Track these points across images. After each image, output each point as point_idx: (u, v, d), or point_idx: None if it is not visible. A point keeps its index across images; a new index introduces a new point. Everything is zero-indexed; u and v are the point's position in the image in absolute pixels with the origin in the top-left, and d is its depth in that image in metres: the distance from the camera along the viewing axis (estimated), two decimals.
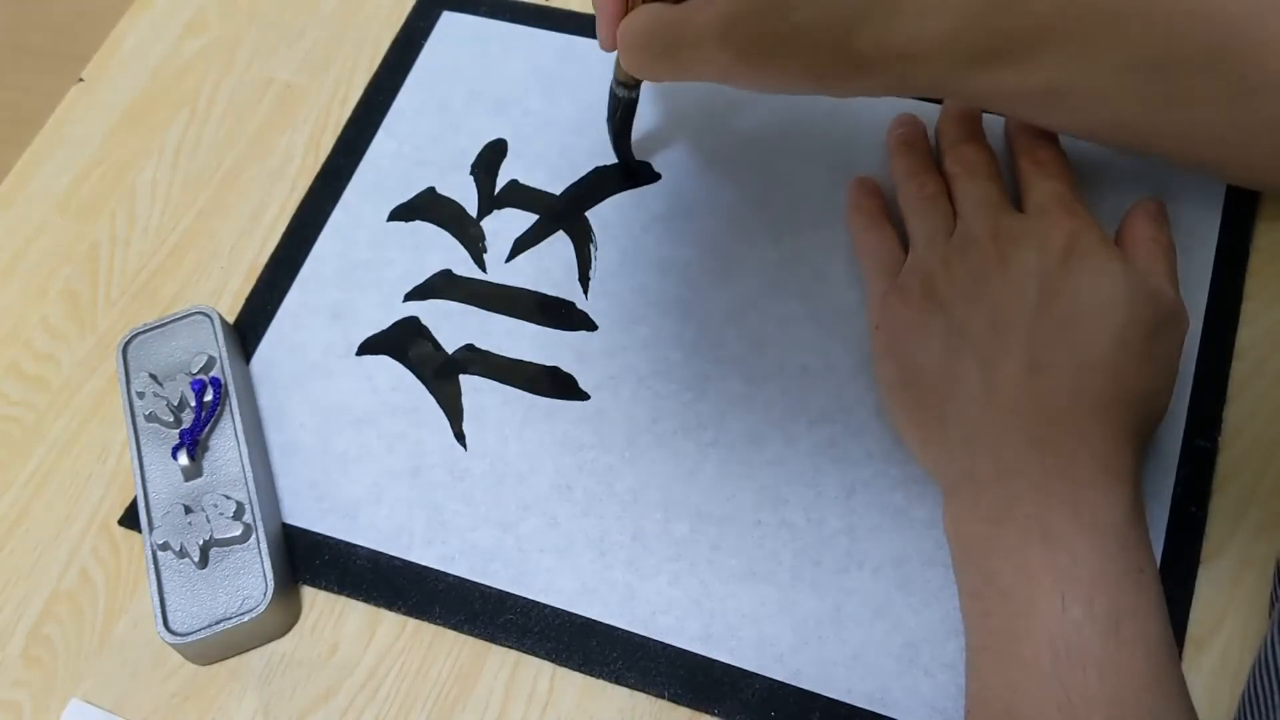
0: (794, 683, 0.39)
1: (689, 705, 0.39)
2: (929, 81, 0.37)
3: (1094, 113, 0.39)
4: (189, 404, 0.45)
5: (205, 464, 0.44)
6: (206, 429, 0.45)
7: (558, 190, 0.51)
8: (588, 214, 0.50)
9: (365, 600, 0.43)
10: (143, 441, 0.45)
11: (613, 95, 0.46)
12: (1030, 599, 0.33)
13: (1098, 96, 0.38)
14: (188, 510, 0.42)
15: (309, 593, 0.43)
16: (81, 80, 0.58)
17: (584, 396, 0.46)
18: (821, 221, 0.48)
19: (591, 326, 0.47)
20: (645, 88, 0.47)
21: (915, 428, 0.40)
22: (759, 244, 0.48)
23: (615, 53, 0.41)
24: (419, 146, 0.53)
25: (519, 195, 0.51)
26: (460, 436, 0.45)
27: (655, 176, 0.50)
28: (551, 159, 0.52)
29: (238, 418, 0.45)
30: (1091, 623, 0.32)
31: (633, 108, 0.47)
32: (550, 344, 0.47)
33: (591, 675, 0.40)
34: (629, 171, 0.50)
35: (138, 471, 0.44)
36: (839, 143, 0.50)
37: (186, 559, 0.42)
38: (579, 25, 0.55)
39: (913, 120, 0.48)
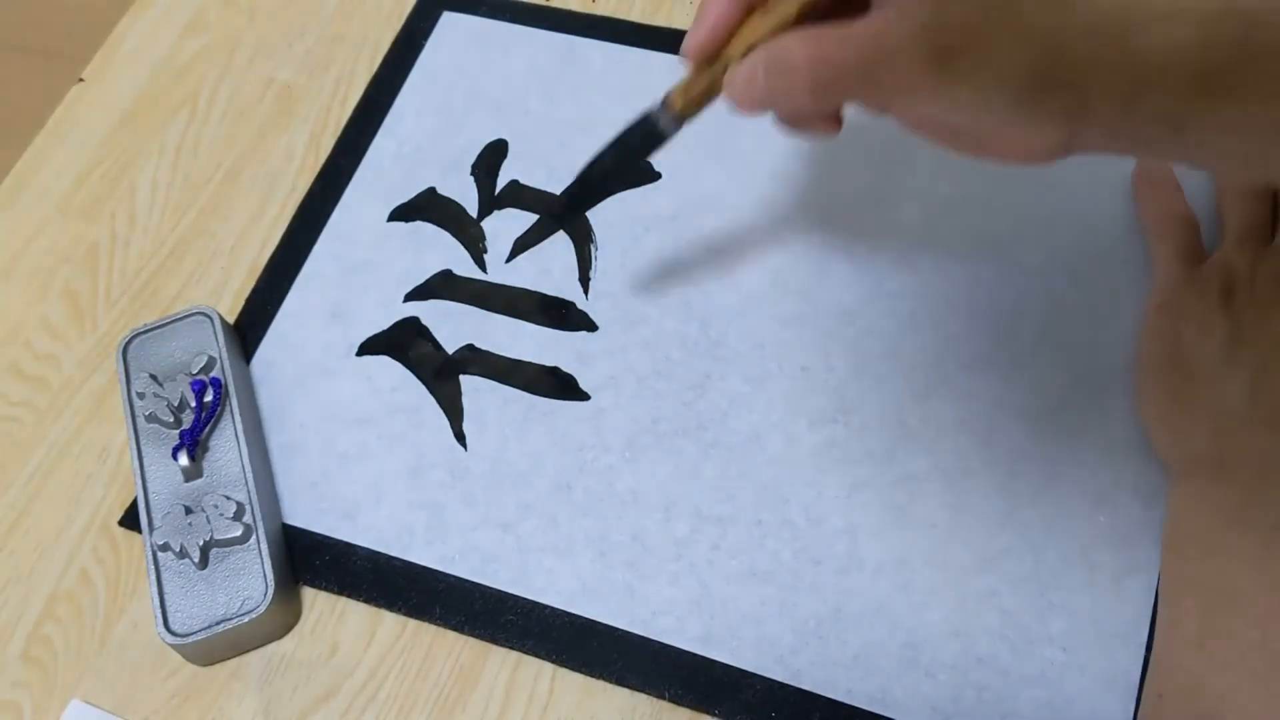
0: (794, 683, 0.39)
1: (689, 706, 0.39)
2: (1155, 113, 0.30)
3: None
4: (189, 404, 0.45)
5: (205, 464, 0.44)
6: (206, 429, 0.45)
7: (558, 190, 0.51)
8: (588, 214, 0.50)
9: (365, 601, 0.43)
10: (143, 442, 0.45)
11: (647, 121, 0.38)
12: (1270, 610, 0.33)
13: None
14: (188, 511, 0.42)
15: (309, 593, 0.43)
16: (81, 80, 0.58)
17: (584, 396, 0.46)
18: (822, 220, 0.48)
19: (591, 326, 0.47)
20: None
21: (1164, 409, 0.40)
22: (759, 243, 0.48)
23: (690, 72, 0.36)
24: (419, 146, 0.53)
25: (519, 195, 0.51)
26: (460, 436, 0.45)
27: (655, 176, 0.50)
28: (551, 159, 0.52)
29: (238, 418, 0.45)
30: None
31: (663, 144, 0.38)
32: (550, 344, 0.47)
33: (592, 676, 0.40)
34: (571, 206, 0.47)
35: (138, 472, 0.44)
36: (840, 142, 0.50)
37: (186, 559, 0.42)
38: (579, 25, 0.55)
39: None
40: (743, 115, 0.34)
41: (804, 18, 0.32)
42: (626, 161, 0.40)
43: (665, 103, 0.36)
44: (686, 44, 0.34)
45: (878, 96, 0.31)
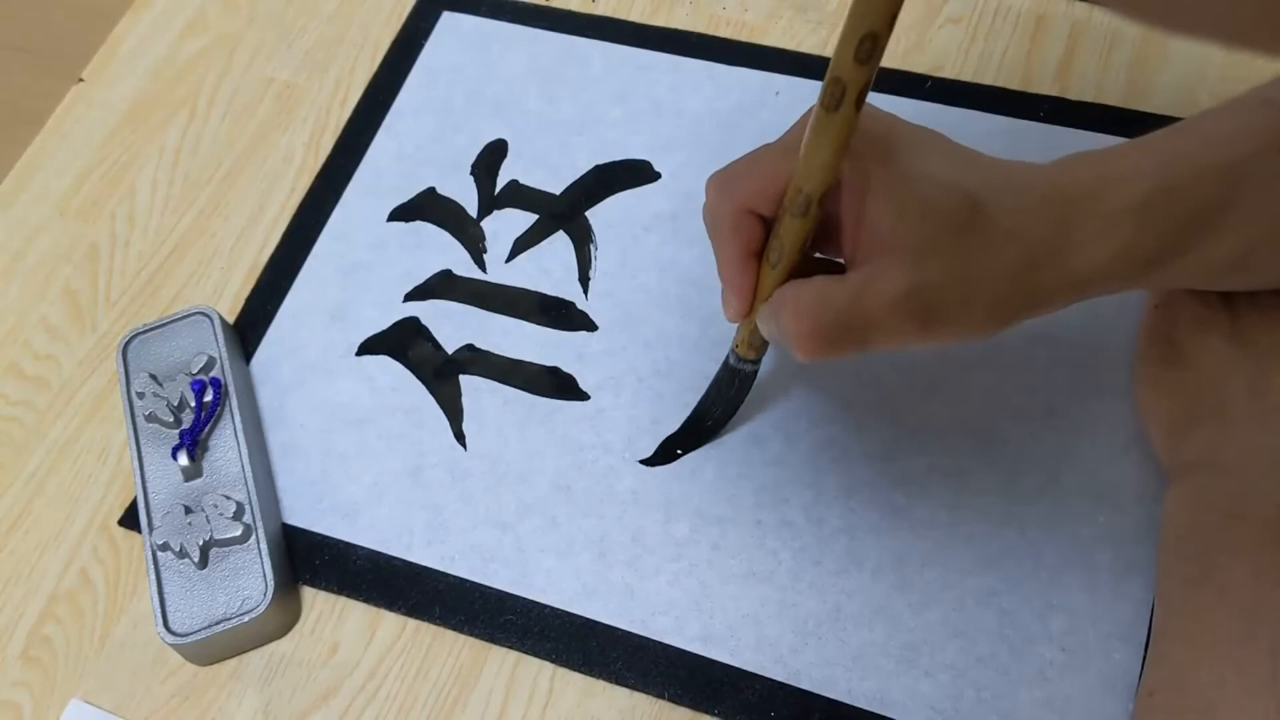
0: (794, 683, 0.39)
1: (689, 705, 0.39)
2: (1111, 290, 0.36)
3: (1275, 267, 0.37)
4: (189, 404, 0.45)
5: (205, 464, 0.44)
6: (206, 429, 0.45)
7: (558, 190, 0.51)
8: (588, 214, 0.50)
9: (365, 600, 0.43)
10: (143, 442, 0.45)
11: (730, 370, 0.41)
12: (1257, 602, 0.33)
13: (1275, 253, 0.36)
14: (188, 510, 0.42)
15: (309, 593, 0.43)
16: (81, 80, 0.58)
17: (584, 396, 0.46)
18: None
19: (591, 326, 0.47)
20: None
21: (1162, 407, 0.40)
22: None
23: (739, 325, 0.39)
24: (419, 146, 0.53)
25: (519, 195, 0.51)
26: (460, 436, 0.45)
27: (655, 176, 0.50)
28: (551, 159, 0.52)
29: (238, 418, 0.45)
30: None
31: (753, 380, 0.42)
32: (550, 344, 0.47)
33: (591, 675, 0.40)
34: (684, 448, 0.44)
35: (138, 472, 0.44)
36: None
37: (186, 559, 0.42)
38: (579, 25, 0.55)
39: None
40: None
41: (802, 251, 0.35)
42: (730, 408, 0.43)
43: (737, 355, 0.40)
44: (726, 311, 0.38)
45: (862, 348, 0.34)
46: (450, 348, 0.47)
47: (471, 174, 0.52)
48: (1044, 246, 0.34)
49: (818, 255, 0.37)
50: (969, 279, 0.33)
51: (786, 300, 0.34)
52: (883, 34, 0.29)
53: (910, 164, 0.33)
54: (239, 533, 0.42)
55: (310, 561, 0.43)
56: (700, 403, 0.43)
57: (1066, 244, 0.34)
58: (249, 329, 0.49)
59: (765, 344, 0.39)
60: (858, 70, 0.30)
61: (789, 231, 0.34)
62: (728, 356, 0.41)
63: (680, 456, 0.44)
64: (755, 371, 0.41)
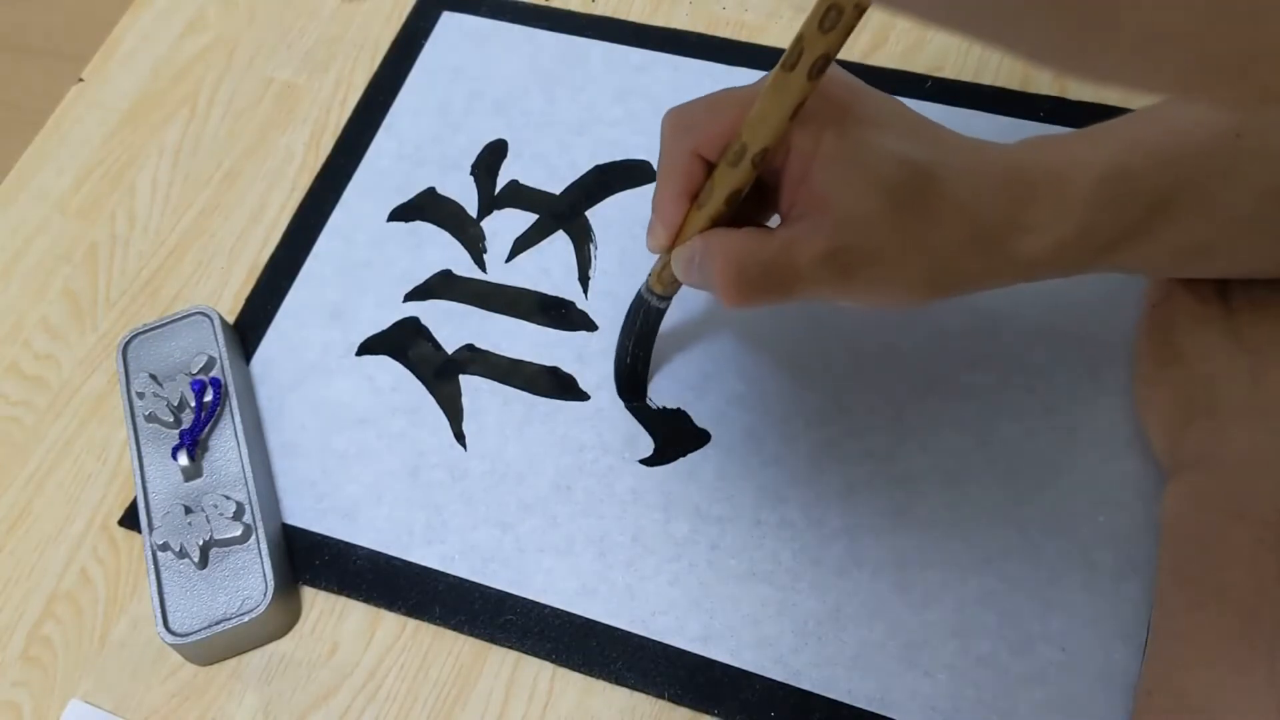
0: (794, 683, 0.39)
1: (689, 705, 0.39)
2: (1066, 272, 0.36)
3: (1238, 257, 0.38)
4: (189, 404, 0.45)
5: (205, 464, 0.44)
6: (206, 429, 0.45)
7: (558, 190, 0.51)
8: (588, 214, 0.50)
9: (365, 600, 0.43)
10: (143, 441, 0.45)
11: (639, 300, 0.42)
12: (1256, 601, 0.33)
13: (1235, 242, 0.37)
14: (188, 510, 0.42)
15: (309, 593, 0.43)
16: (81, 80, 0.58)
17: (584, 396, 0.46)
18: None
19: (591, 326, 0.47)
20: None
21: (1160, 405, 0.41)
22: None
23: (660, 257, 0.39)
24: (419, 146, 0.53)
25: (519, 195, 0.51)
26: (460, 436, 0.45)
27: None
28: (551, 159, 0.52)
29: (238, 418, 0.45)
30: None
31: (661, 318, 0.42)
32: (550, 344, 0.47)
33: (591, 675, 0.40)
34: (632, 391, 0.45)
35: (138, 471, 0.44)
36: None
37: (186, 559, 0.42)
38: (579, 25, 0.55)
39: None
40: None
41: (734, 203, 0.35)
42: (644, 342, 0.44)
43: (648, 287, 0.41)
44: (650, 241, 0.38)
45: (786, 299, 0.35)
46: (450, 348, 0.47)
47: (471, 174, 0.52)
48: (995, 225, 0.34)
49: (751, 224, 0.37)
50: (905, 248, 0.34)
51: (715, 247, 0.35)
52: (847, 8, 0.30)
53: (865, 135, 0.33)
54: (239, 533, 0.42)
55: (310, 561, 0.43)
56: (619, 340, 0.44)
57: (1019, 224, 0.34)
58: (249, 329, 0.49)
59: (673, 283, 0.39)
60: (819, 37, 0.31)
61: (720, 179, 0.35)
62: (640, 288, 0.41)
63: (644, 405, 0.45)
64: (663, 310, 0.42)
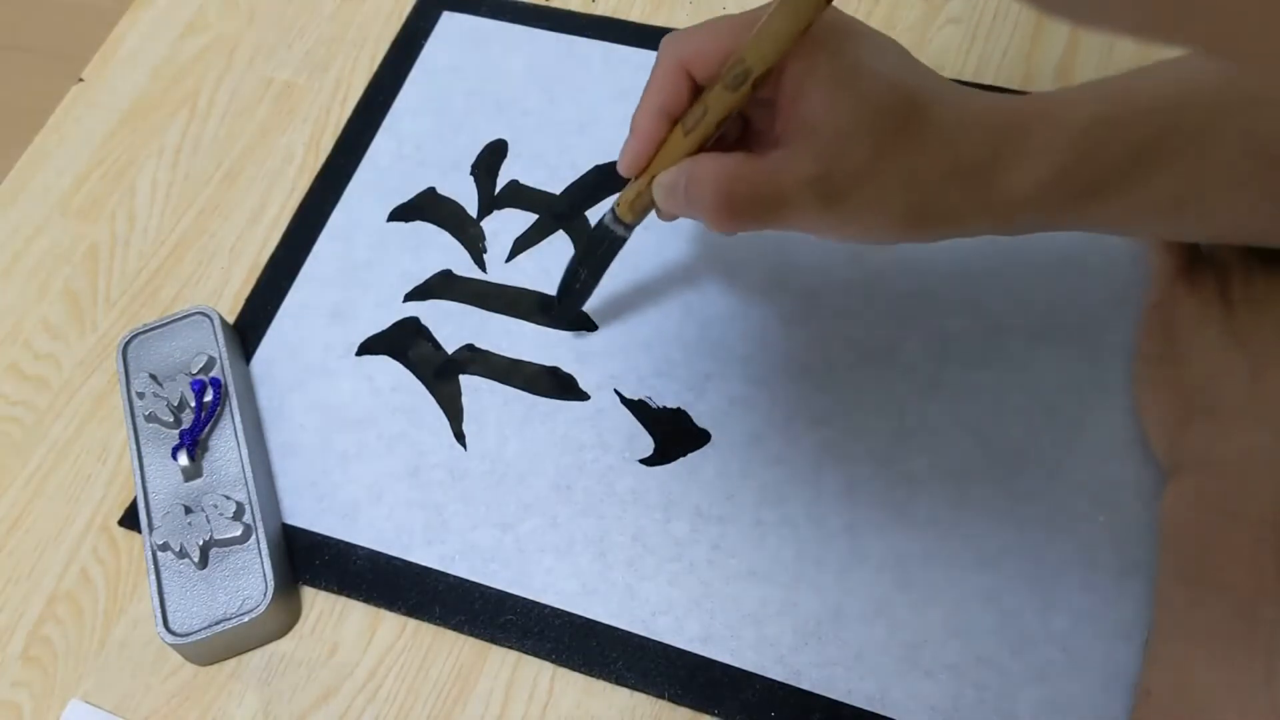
0: (794, 683, 0.39)
1: (689, 706, 0.39)
2: (1038, 223, 0.36)
3: (1220, 216, 0.38)
4: (189, 404, 0.45)
5: (205, 464, 0.44)
6: (206, 429, 0.45)
7: (558, 190, 0.51)
8: (587, 214, 0.50)
9: (365, 600, 0.43)
10: (143, 442, 0.45)
11: (603, 229, 0.41)
12: (1255, 601, 0.33)
13: (1218, 199, 0.37)
14: (188, 510, 0.42)
15: (309, 593, 0.43)
16: (81, 80, 0.58)
17: (584, 396, 0.46)
18: None
19: (591, 326, 0.47)
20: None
21: (1160, 405, 0.41)
22: (759, 243, 0.48)
23: (631, 184, 0.39)
24: (419, 146, 0.53)
25: (519, 195, 0.51)
26: (460, 436, 0.45)
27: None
28: (551, 159, 0.52)
29: (238, 418, 0.45)
30: None
31: (621, 246, 0.42)
32: (550, 344, 0.47)
33: (592, 675, 0.40)
34: (564, 316, 0.46)
35: (138, 472, 0.44)
36: None
37: (186, 559, 0.42)
38: (579, 25, 0.55)
39: None
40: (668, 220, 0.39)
41: (721, 128, 0.35)
42: (597, 269, 0.44)
43: (614, 212, 0.40)
44: (622, 162, 0.38)
45: (773, 224, 0.35)
46: (450, 348, 0.47)
47: (471, 174, 0.52)
48: (979, 160, 0.34)
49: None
50: (889, 175, 0.34)
51: (706, 171, 0.35)
52: None
53: (860, 58, 0.34)
54: (239, 533, 0.42)
55: (310, 561, 0.43)
56: (570, 262, 0.44)
57: (1001, 160, 0.34)
58: (249, 329, 0.49)
59: (645, 212, 0.39)
60: None
61: (716, 101, 0.35)
62: (604, 215, 0.41)
63: (574, 313, 0.45)
64: (625, 239, 0.41)
